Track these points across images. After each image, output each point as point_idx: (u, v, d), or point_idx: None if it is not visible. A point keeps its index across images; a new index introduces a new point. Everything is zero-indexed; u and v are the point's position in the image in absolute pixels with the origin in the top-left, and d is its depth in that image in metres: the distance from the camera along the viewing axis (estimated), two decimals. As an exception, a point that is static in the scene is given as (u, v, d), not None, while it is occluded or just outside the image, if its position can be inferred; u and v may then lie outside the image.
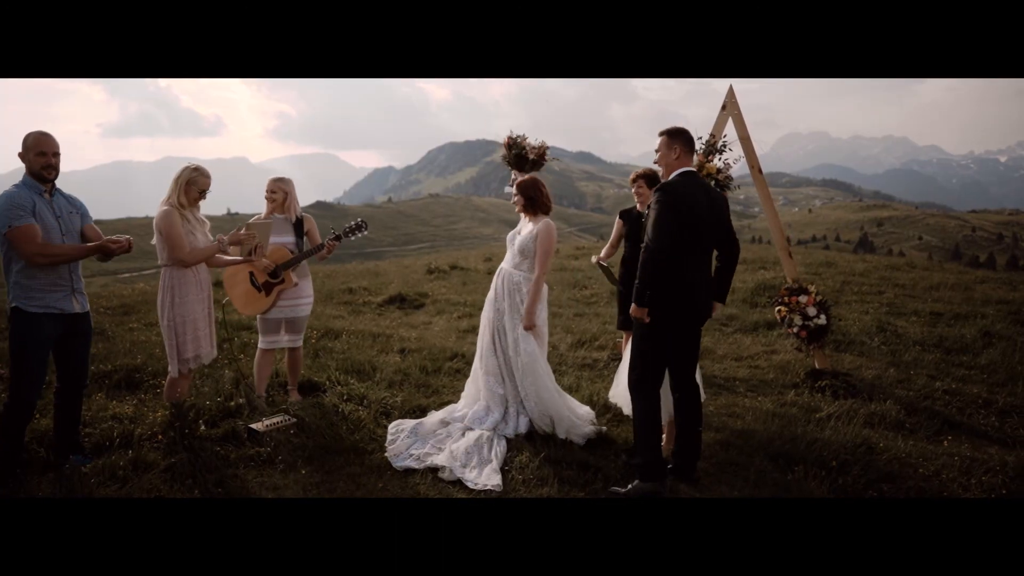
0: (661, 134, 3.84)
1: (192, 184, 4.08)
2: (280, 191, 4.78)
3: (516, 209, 4.55)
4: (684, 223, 3.55)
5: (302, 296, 4.80)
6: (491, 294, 4.56)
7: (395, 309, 9.66)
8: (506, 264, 4.53)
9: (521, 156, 5.37)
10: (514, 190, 4.58)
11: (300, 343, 4.91)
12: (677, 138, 3.77)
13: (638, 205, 5.26)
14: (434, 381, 5.46)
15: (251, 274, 4.67)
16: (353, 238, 4.86)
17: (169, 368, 4.09)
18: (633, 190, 5.19)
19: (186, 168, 4.13)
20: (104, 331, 6.87)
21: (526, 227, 4.50)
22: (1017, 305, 9.27)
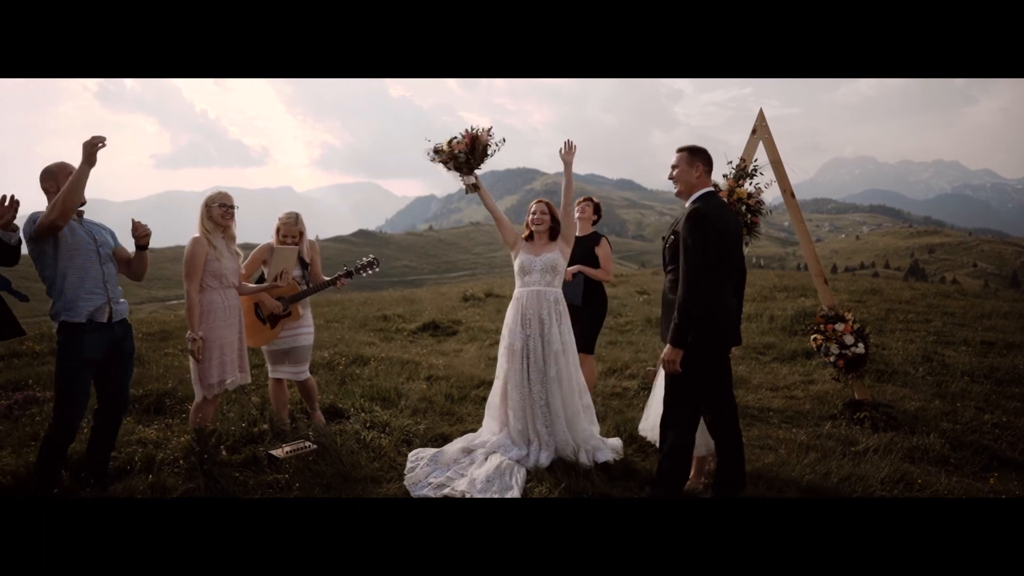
0: (680, 150, 3.62)
1: (211, 203, 4.19)
2: (297, 234, 4.82)
3: (537, 230, 4.51)
4: (720, 249, 3.38)
5: (302, 326, 4.80)
6: (515, 323, 4.43)
7: (428, 336, 9.68)
8: (533, 287, 4.42)
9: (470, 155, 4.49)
10: (542, 209, 4.55)
11: (306, 374, 4.85)
12: (699, 155, 3.56)
13: (579, 229, 5.40)
14: (459, 409, 5.41)
15: (256, 305, 4.69)
16: (364, 275, 4.89)
17: (195, 392, 4.15)
18: (577, 213, 5.36)
19: (209, 196, 4.26)
20: (140, 356, 7.02)
21: (542, 248, 4.50)
22: (1076, 334, 8.81)
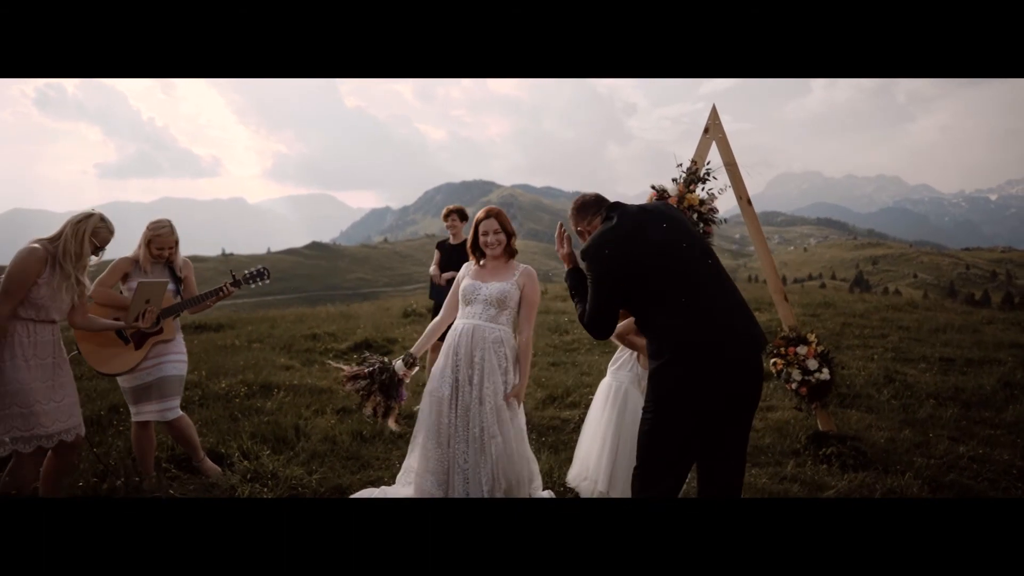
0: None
1: (95, 236, 3.36)
2: (173, 245, 4.01)
3: (491, 252, 3.57)
4: (631, 275, 2.67)
5: (171, 352, 3.96)
6: (444, 363, 3.54)
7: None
8: (470, 319, 3.54)
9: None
10: (493, 228, 3.58)
11: (176, 412, 3.97)
12: (582, 212, 2.98)
13: (451, 238, 6.11)
14: (366, 451, 4.58)
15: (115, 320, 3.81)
16: (252, 286, 4.15)
17: None
18: (447, 224, 6.00)
19: (93, 216, 3.37)
20: None
21: (494, 274, 3.61)
22: (1034, 349, 8.52)
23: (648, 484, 2.62)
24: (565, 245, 3.13)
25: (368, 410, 3.60)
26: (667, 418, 2.57)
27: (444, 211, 6.09)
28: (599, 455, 3.73)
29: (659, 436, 2.58)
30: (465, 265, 3.73)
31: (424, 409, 3.59)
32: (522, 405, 3.63)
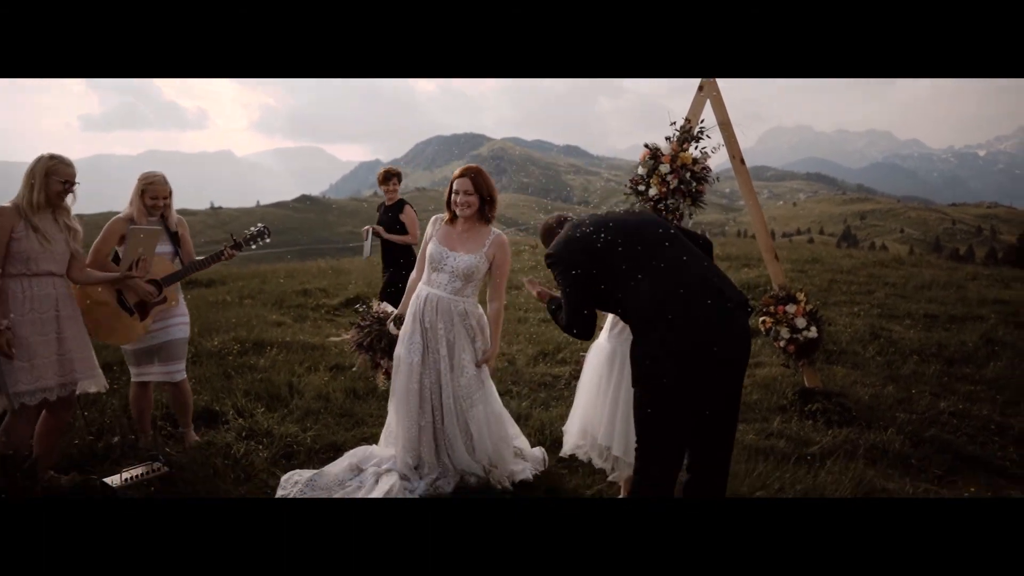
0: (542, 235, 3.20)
1: (52, 175, 3.31)
2: (168, 195, 3.91)
3: (461, 213, 3.44)
4: (596, 262, 2.67)
5: (175, 316, 3.92)
6: (412, 328, 3.49)
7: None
8: (436, 289, 3.47)
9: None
10: (465, 188, 3.42)
11: (182, 373, 3.97)
12: (549, 234, 3.12)
13: (387, 200, 6.21)
14: (360, 408, 4.63)
15: (119, 292, 3.75)
16: (254, 246, 4.10)
17: None
18: (387, 188, 6.15)
19: (41, 157, 3.33)
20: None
21: (464, 241, 3.48)
22: (1016, 306, 8.66)
23: (649, 462, 2.63)
24: (535, 287, 3.33)
25: (380, 378, 3.70)
26: (661, 408, 2.55)
27: (383, 173, 6.17)
28: (611, 419, 3.48)
29: (654, 423, 2.57)
30: (435, 219, 3.62)
31: (394, 374, 3.59)
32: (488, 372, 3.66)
